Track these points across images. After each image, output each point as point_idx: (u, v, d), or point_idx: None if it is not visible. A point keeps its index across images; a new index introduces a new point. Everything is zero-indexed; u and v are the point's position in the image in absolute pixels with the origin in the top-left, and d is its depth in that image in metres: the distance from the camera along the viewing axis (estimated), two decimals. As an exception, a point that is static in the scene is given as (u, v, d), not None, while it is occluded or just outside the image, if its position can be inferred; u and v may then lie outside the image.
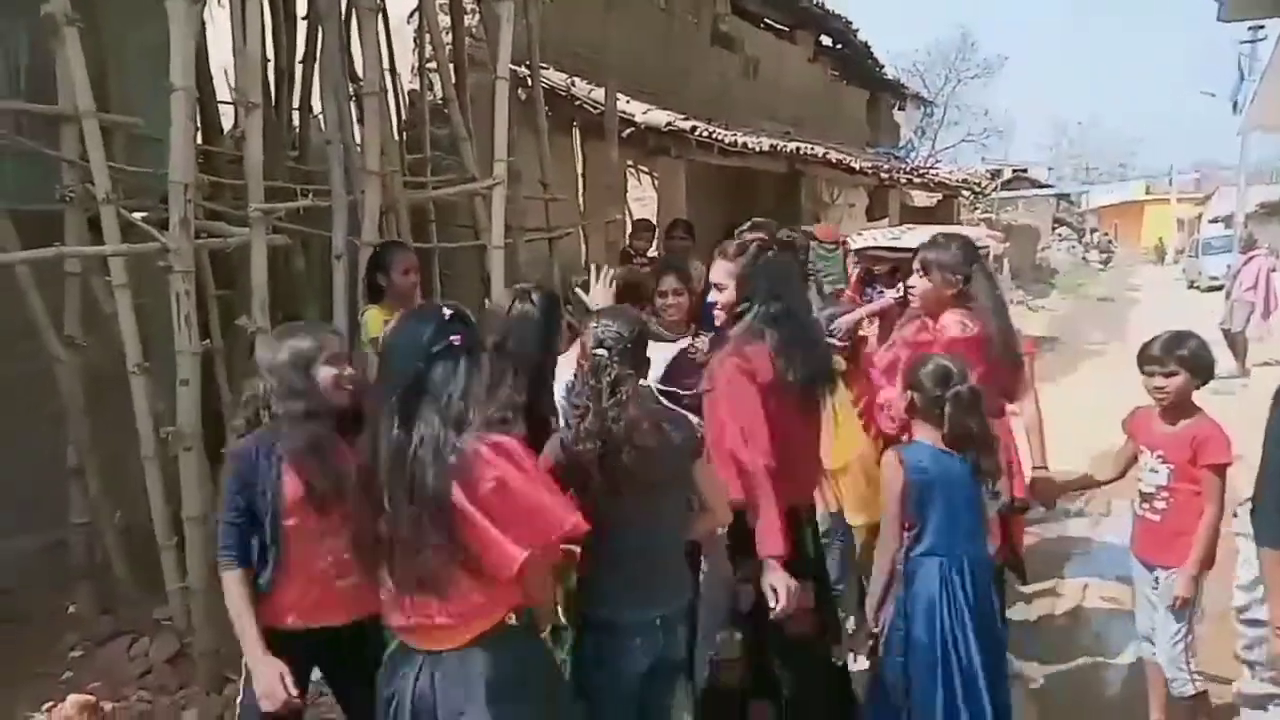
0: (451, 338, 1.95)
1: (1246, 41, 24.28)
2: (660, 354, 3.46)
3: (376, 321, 3.99)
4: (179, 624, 3.67)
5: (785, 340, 2.74)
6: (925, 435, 2.78)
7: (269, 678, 2.21)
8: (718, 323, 3.19)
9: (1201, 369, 3.08)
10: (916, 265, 3.43)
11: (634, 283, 3.86)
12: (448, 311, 2.00)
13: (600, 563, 2.28)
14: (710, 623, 3.03)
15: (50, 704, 3.34)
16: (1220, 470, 3.03)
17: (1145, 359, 3.12)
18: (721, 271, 3.00)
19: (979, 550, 2.83)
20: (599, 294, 3.27)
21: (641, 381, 2.33)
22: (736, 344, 2.79)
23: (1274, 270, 11.06)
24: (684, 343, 3.47)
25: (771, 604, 2.63)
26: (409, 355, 1.96)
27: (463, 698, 1.92)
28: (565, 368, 2.56)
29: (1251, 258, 10.90)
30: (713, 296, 3.11)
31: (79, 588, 4.03)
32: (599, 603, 2.32)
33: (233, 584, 2.28)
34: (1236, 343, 10.42)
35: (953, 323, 3.23)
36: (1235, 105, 24.21)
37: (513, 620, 1.99)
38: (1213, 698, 3.26)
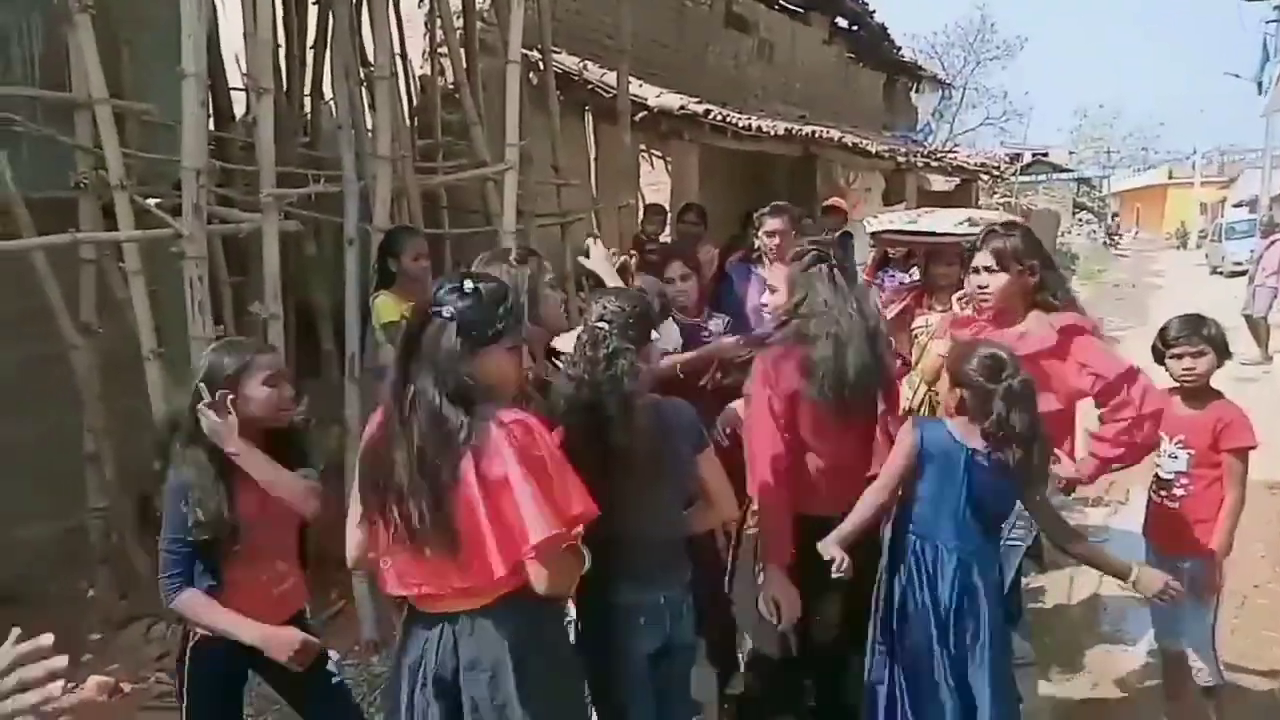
0: (444, 306, 1.90)
1: (1272, 21, 23.86)
2: (673, 331, 3.48)
3: (387, 307, 4.00)
4: (194, 608, 3.69)
5: (820, 354, 2.67)
6: (958, 422, 2.63)
7: (287, 641, 2.27)
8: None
9: (1224, 349, 3.04)
10: (984, 261, 3.01)
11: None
12: (466, 284, 1.94)
13: (602, 547, 2.27)
14: (745, 623, 3.01)
15: (70, 685, 3.37)
16: (1243, 455, 2.97)
17: (1171, 341, 3.04)
18: (778, 275, 2.97)
19: (972, 550, 2.63)
20: (598, 257, 3.25)
21: (643, 365, 2.31)
22: (771, 350, 2.79)
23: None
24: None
25: (769, 615, 2.65)
26: (416, 312, 1.96)
27: (486, 659, 1.93)
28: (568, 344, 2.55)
29: (1274, 241, 10.74)
30: (765, 298, 3.08)
31: (97, 572, 4.08)
32: (604, 584, 2.29)
33: (191, 601, 2.27)
34: (1259, 328, 10.30)
35: (1036, 331, 2.92)
36: (1260, 86, 23.90)
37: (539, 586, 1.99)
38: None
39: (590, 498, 1.96)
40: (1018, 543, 3.19)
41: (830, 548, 2.55)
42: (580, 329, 2.35)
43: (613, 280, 3.26)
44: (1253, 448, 2.98)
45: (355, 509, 2.03)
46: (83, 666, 3.55)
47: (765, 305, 3.07)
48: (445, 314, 1.89)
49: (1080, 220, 35.69)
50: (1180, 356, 3.01)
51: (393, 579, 1.97)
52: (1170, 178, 45.86)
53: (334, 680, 2.59)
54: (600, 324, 2.26)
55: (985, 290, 3.00)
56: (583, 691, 2.25)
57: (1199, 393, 3.05)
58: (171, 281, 3.65)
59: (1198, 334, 2.99)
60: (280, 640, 2.27)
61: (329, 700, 2.54)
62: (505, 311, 1.97)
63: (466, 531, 1.85)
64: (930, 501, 2.63)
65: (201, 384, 2.26)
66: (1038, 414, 2.53)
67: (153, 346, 3.69)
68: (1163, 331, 3.08)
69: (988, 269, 2.98)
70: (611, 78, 7.22)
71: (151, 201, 3.88)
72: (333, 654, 3.80)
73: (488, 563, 1.86)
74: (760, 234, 4.40)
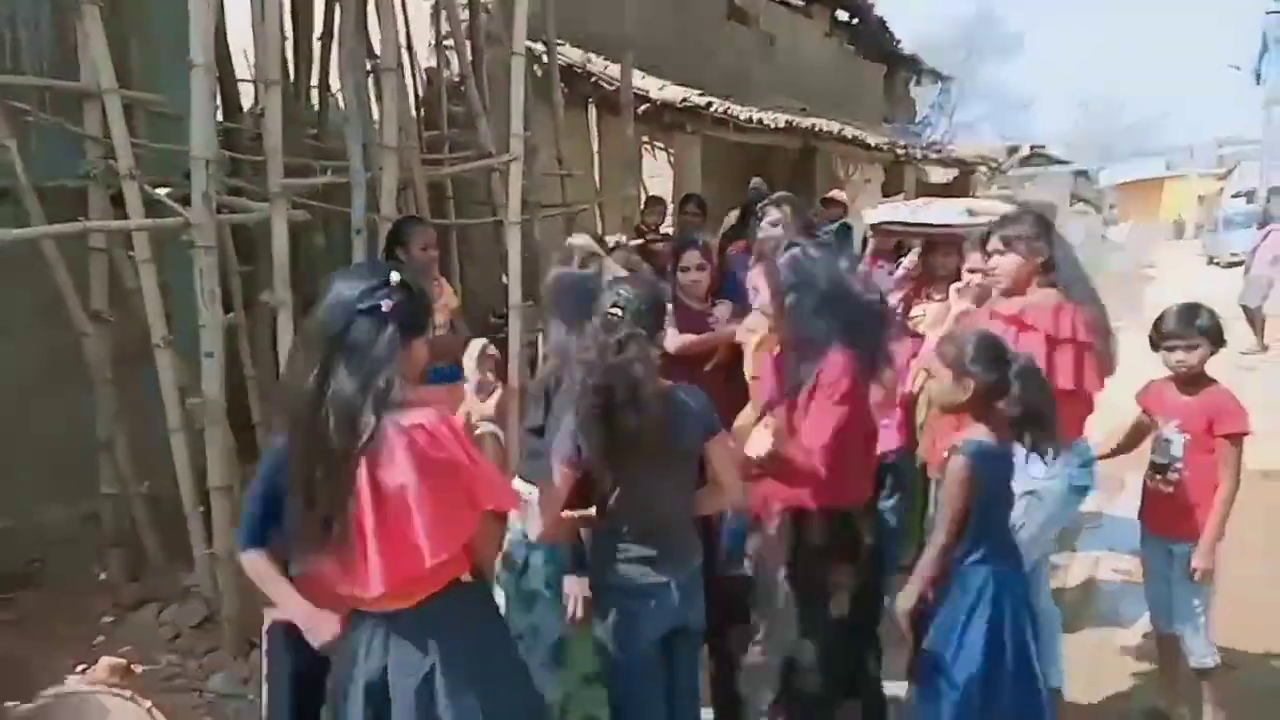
0: (381, 301, 1.86)
1: (1273, 12, 23.82)
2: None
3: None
4: (206, 591, 3.76)
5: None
6: (977, 431, 2.52)
7: (328, 629, 2.14)
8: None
9: (1219, 338, 3.09)
10: (994, 245, 3.16)
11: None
12: (393, 276, 1.91)
13: (615, 528, 2.33)
14: (770, 618, 2.99)
15: (83, 666, 3.44)
16: (1237, 440, 3.03)
17: (1165, 334, 3.10)
18: (757, 275, 2.99)
19: (1019, 561, 2.64)
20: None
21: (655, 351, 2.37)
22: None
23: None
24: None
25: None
26: (334, 309, 1.87)
27: (420, 659, 1.90)
28: None
29: (1270, 232, 10.79)
30: (751, 299, 3.10)
31: (109, 556, 4.13)
32: (607, 567, 2.37)
33: (254, 562, 2.19)
34: (1256, 318, 10.35)
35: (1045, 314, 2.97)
36: (1259, 77, 23.88)
37: (465, 577, 1.96)
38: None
39: (507, 489, 2.04)
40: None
41: (904, 618, 2.53)
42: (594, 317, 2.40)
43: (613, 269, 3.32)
44: (1245, 434, 3.04)
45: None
46: (95, 648, 3.62)
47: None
48: (384, 308, 1.85)
49: (1077, 212, 35.68)
50: (1173, 349, 3.08)
51: (331, 577, 1.89)
52: (1168, 170, 45.84)
53: None
54: (614, 310, 2.31)
55: (995, 271, 3.17)
56: (524, 670, 2.19)
57: (1194, 379, 3.12)
58: (182, 270, 3.70)
59: (1191, 327, 3.06)
60: (321, 625, 2.12)
61: None
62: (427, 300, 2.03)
63: (354, 541, 1.80)
64: (998, 524, 2.55)
65: None
66: (1051, 394, 2.52)
67: (163, 334, 3.74)
68: (1158, 323, 3.14)
69: (998, 251, 3.15)
70: (615, 70, 7.25)
71: (161, 191, 3.92)
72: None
73: (367, 577, 1.81)
74: (764, 225, 4.44)
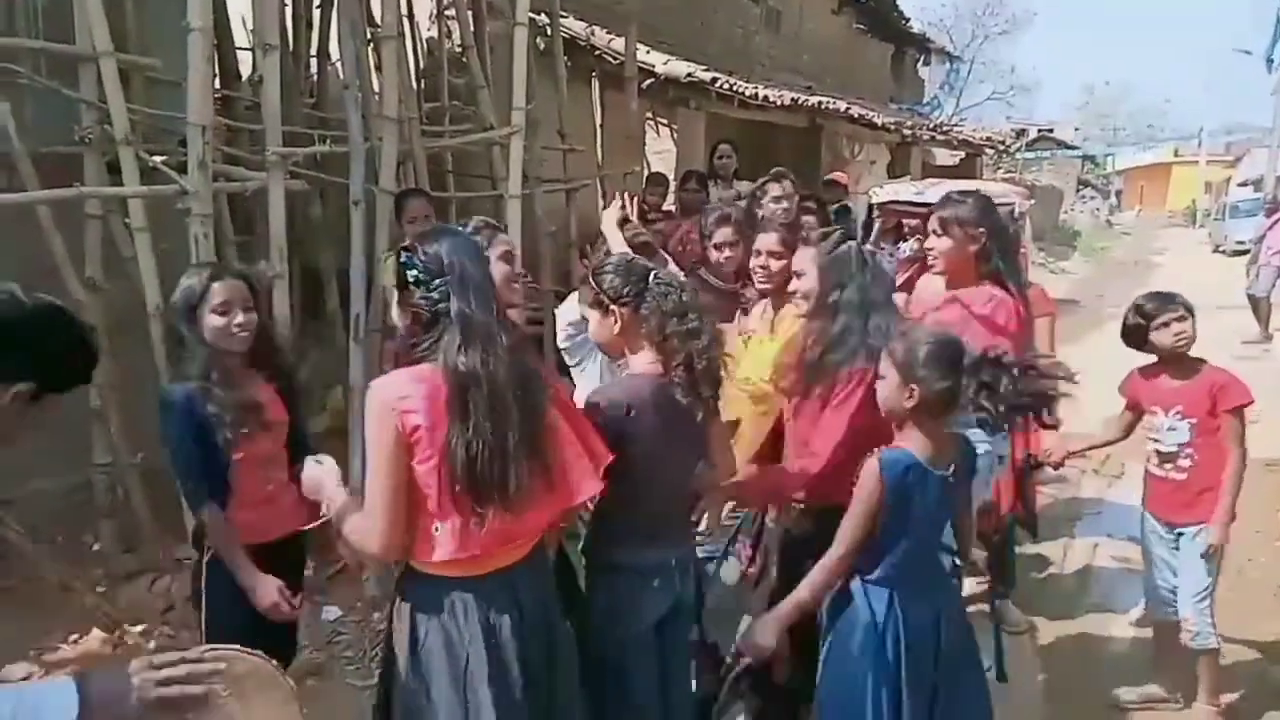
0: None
1: (1285, -3, 23.61)
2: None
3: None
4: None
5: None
6: (911, 441, 2.23)
7: (270, 593, 2.41)
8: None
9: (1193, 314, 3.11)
10: (933, 225, 3.21)
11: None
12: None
13: (621, 505, 2.28)
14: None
15: (75, 636, 3.43)
16: (1240, 414, 3.03)
17: (1150, 314, 3.09)
18: (805, 258, 2.88)
19: (945, 597, 2.31)
20: (609, 221, 3.35)
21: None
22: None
23: (1301, 233, 10.86)
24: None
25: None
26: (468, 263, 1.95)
27: (543, 607, 2.04)
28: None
29: (1277, 221, 10.71)
30: (793, 284, 2.94)
31: (102, 527, 4.11)
32: (617, 545, 2.32)
33: (214, 519, 2.45)
34: (1260, 307, 10.30)
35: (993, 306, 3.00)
36: (1270, 64, 23.68)
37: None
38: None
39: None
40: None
41: (769, 633, 2.27)
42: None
43: (619, 246, 3.26)
44: (1250, 404, 3.03)
45: (382, 494, 1.87)
46: (87, 620, 3.61)
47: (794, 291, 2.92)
48: None
49: (1084, 197, 35.55)
50: (1168, 324, 3.07)
51: (452, 543, 1.89)
52: (1176, 156, 45.59)
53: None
54: (690, 317, 2.22)
55: (932, 252, 3.22)
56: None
57: (1187, 362, 3.10)
58: (177, 238, 3.65)
59: (1173, 301, 3.07)
60: (264, 592, 2.40)
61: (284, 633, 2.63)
62: None
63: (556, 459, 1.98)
64: (909, 545, 2.23)
65: (175, 309, 2.48)
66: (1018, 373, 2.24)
67: (158, 303, 3.69)
68: (1139, 311, 3.12)
69: (934, 233, 3.18)
70: (619, 44, 7.16)
71: (157, 158, 3.87)
72: (334, 609, 3.89)
73: (577, 485, 2.01)
74: (765, 200, 4.38)
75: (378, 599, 3.84)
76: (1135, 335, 3.15)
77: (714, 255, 3.70)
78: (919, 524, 2.22)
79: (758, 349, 3.19)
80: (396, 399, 1.86)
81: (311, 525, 2.44)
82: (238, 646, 1.54)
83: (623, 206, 3.55)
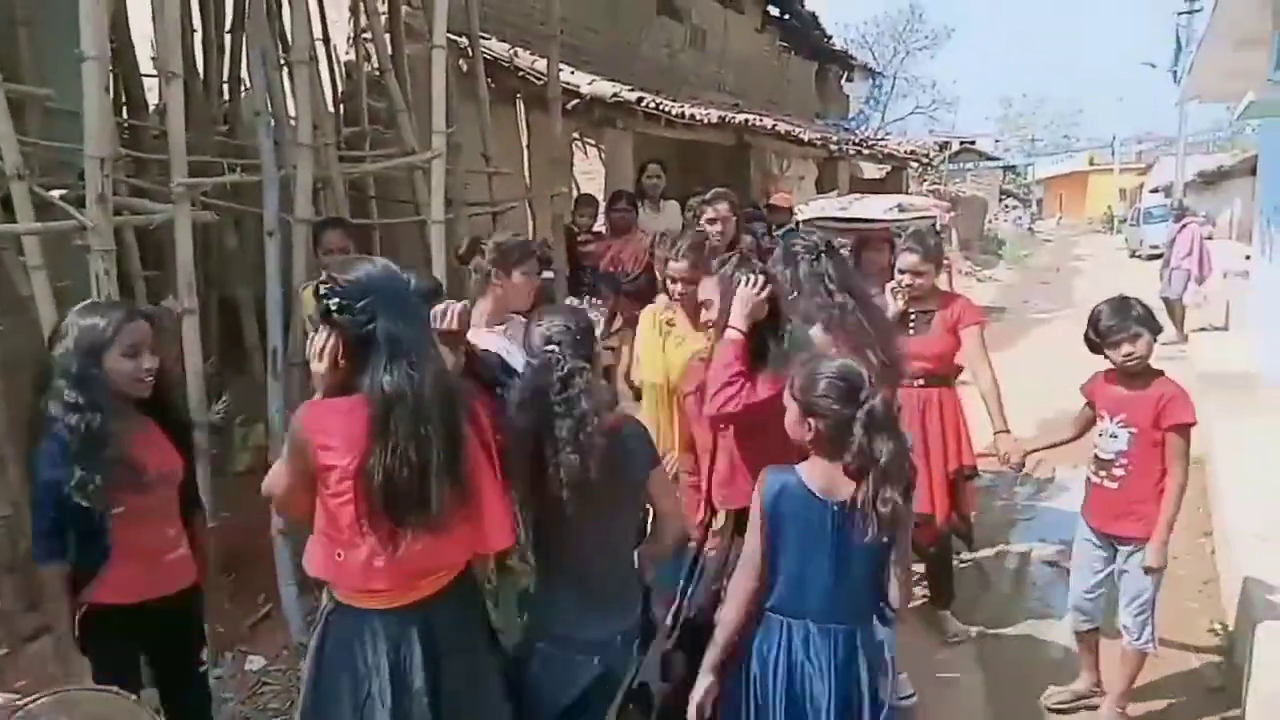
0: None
1: (1183, 13, 24.80)
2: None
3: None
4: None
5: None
6: (810, 467, 2.17)
7: (80, 670, 2.26)
8: None
9: (1154, 326, 3.09)
10: (916, 262, 3.63)
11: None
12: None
13: (556, 575, 2.19)
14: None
15: (-26, 702, 3.20)
16: (1185, 432, 3.02)
17: (1104, 332, 3.07)
18: (709, 287, 2.78)
19: (852, 625, 2.17)
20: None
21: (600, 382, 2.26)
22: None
23: (1208, 237, 11.33)
24: None
25: None
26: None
27: (436, 648, 1.98)
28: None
29: (1185, 225, 11.14)
30: (703, 315, 2.88)
31: (2, 582, 3.87)
32: (555, 618, 2.23)
33: (56, 579, 2.29)
34: (1175, 310, 10.66)
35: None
36: (1175, 76, 24.74)
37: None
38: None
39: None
40: None
41: (701, 690, 2.19)
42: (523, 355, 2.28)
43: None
44: (1193, 424, 3.03)
45: (284, 478, 2.02)
46: (-10, 682, 3.38)
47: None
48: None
49: (1007, 206, 36.60)
50: (1118, 345, 3.05)
51: (360, 574, 1.93)
52: (1091, 164, 47.32)
53: (201, 670, 2.63)
54: (549, 346, 2.18)
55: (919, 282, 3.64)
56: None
57: (1139, 372, 3.09)
58: (78, 275, 3.47)
59: (1128, 319, 3.04)
60: (75, 664, 2.27)
61: (191, 692, 2.59)
62: None
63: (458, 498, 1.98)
64: (795, 571, 2.16)
65: (77, 352, 2.24)
66: (904, 442, 2.17)
67: (59, 344, 3.50)
68: (1094, 323, 3.11)
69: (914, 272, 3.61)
70: (543, 64, 7.10)
71: (55, 193, 3.68)
72: (258, 658, 3.71)
73: (454, 542, 2.00)
74: (702, 221, 4.35)
75: (304, 646, 3.68)
76: (1092, 346, 3.15)
77: (673, 289, 3.42)
78: (804, 551, 2.14)
79: (675, 350, 3.17)
80: (316, 430, 1.91)
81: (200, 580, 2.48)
82: (94, 686, 1.50)
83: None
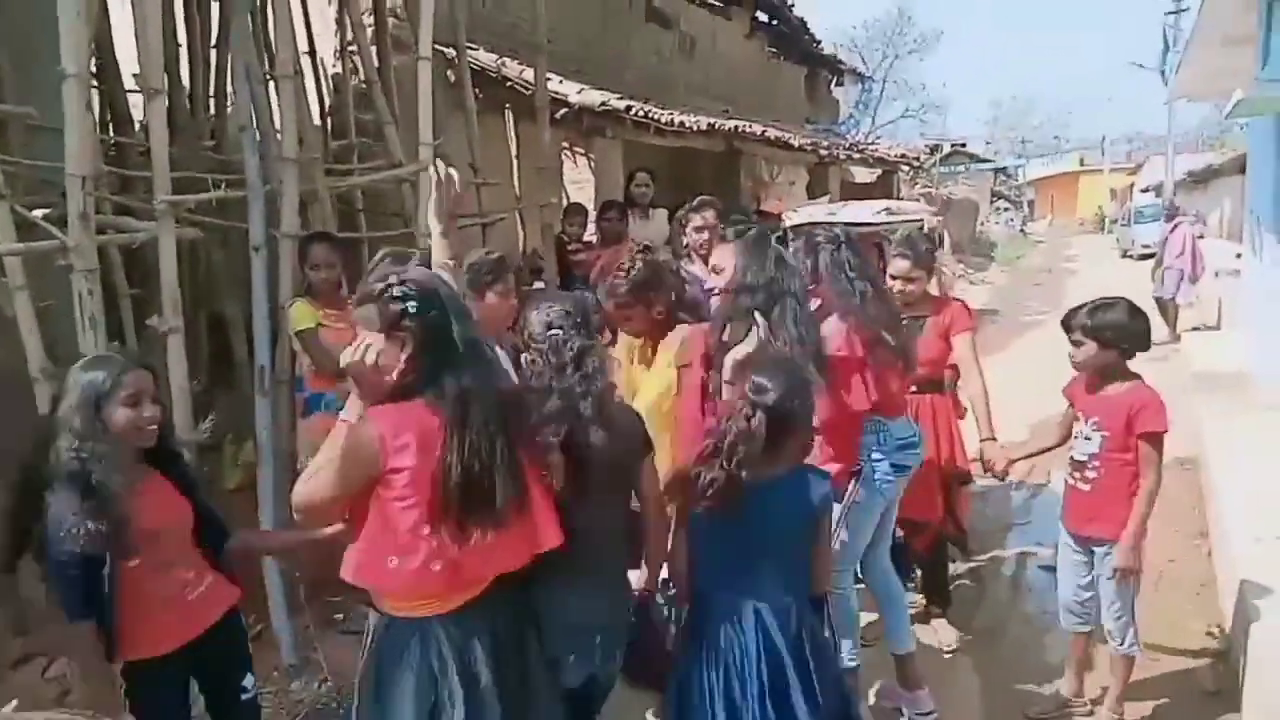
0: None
1: (1171, 13, 24.95)
2: None
3: (302, 313, 3.87)
4: (97, 641, 3.49)
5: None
6: None
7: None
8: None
9: (1113, 339, 3.03)
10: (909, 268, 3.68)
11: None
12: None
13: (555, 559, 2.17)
14: None
15: (-40, 731, 3.16)
16: (1156, 440, 2.99)
17: (1063, 325, 3.16)
18: (724, 253, 2.97)
19: (774, 596, 2.25)
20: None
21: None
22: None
23: (1200, 237, 11.35)
24: None
25: None
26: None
27: (498, 649, 1.98)
28: None
29: (1177, 225, 11.16)
30: (710, 281, 3.07)
31: (-10, 609, 3.83)
32: (556, 601, 2.19)
33: (86, 635, 2.20)
34: (1168, 309, 10.68)
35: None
36: (1163, 75, 24.86)
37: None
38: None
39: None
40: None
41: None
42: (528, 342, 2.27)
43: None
44: (1163, 433, 3.01)
45: (326, 490, 1.94)
46: (-22, 708, 3.34)
47: (709, 286, 3.10)
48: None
49: (998, 208, 36.69)
50: (1071, 343, 3.13)
51: (429, 576, 1.90)
52: (1082, 165, 47.49)
53: (244, 697, 2.61)
54: (552, 330, 2.17)
55: (910, 288, 3.69)
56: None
57: (1114, 375, 3.08)
58: (62, 295, 3.44)
59: (1071, 325, 3.10)
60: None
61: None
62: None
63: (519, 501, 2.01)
64: (711, 546, 2.30)
65: (79, 405, 2.19)
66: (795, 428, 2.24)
67: (43, 365, 3.46)
68: (1062, 323, 3.18)
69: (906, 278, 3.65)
70: (531, 74, 7.09)
71: (38, 212, 3.65)
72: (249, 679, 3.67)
73: (542, 529, 2.04)
74: (688, 230, 4.35)
75: (296, 667, 3.65)
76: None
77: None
78: (705, 535, 2.29)
79: (628, 375, 3.14)
80: (390, 434, 1.86)
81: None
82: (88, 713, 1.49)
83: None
